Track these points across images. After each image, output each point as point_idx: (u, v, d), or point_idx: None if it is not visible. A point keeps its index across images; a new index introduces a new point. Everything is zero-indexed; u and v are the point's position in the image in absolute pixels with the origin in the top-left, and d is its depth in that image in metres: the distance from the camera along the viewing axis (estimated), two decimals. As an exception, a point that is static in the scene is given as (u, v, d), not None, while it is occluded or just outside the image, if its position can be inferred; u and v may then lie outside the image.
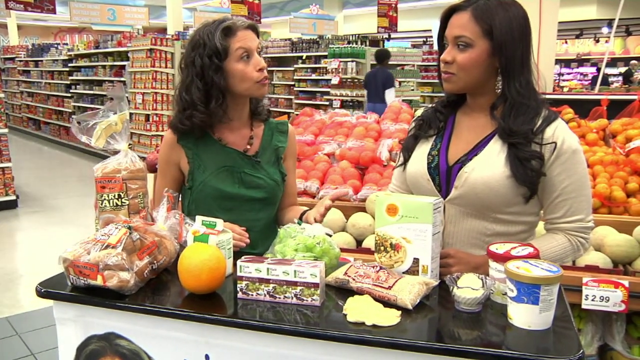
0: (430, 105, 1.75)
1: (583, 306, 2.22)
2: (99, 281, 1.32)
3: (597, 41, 19.42)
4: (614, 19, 5.93)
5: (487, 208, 1.52)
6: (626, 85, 11.89)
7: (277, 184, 1.84)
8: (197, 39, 1.72)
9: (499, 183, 1.48)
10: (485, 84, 1.55)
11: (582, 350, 1.09)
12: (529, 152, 1.47)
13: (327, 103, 9.38)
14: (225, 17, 1.77)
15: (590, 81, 15.82)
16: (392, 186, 1.82)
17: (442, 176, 1.58)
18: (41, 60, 14.24)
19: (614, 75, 17.05)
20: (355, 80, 8.89)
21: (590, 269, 2.29)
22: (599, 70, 15.91)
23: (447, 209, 1.57)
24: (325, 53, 9.94)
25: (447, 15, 1.55)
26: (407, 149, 1.70)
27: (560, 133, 1.49)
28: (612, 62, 17.82)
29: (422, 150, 1.65)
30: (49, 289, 1.40)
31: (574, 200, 1.51)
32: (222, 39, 1.69)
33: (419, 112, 1.76)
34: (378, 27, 11.73)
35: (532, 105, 1.50)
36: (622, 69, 17.88)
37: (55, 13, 8.34)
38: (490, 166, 1.49)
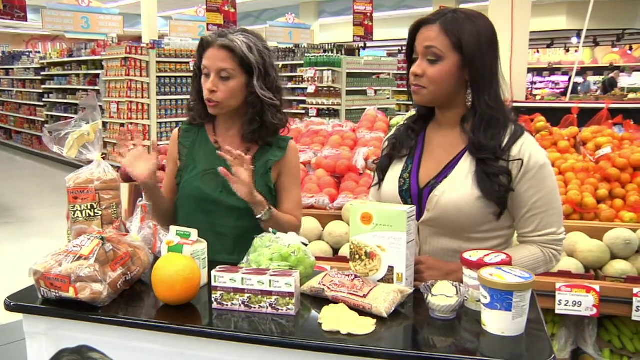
0: (402, 122, 1.74)
1: (557, 311, 2.26)
2: (70, 293, 1.30)
3: (567, 51, 19.86)
4: (583, 30, 6.07)
5: (460, 229, 1.53)
6: (608, 94, 12.19)
7: None
8: None
9: (469, 205, 1.48)
10: (455, 97, 1.55)
11: (553, 355, 1.11)
12: (496, 167, 1.48)
13: (303, 112, 9.39)
14: (222, 31, 1.80)
15: (563, 89, 16.20)
16: None
17: (414, 199, 1.58)
18: (12, 69, 13.99)
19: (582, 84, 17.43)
20: (332, 89, 8.91)
21: (563, 274, 2.33)
22: (570, 79, 16.28)
23: (421, 231, 1.57)
24: (302, 62, 9.94)
25: (416, 29, 1.55)
26: (382, 169, 1.69)
27: (527, 149, 1.49)
28: (582, 71, 18.23)
29: (395, 172, 1.64)
30: (18, 302, 1.37)
31: (544, 214, 1.52)
32: (200, 50, 1.80)
33: (395, 121, 1.76)
34: (354, 36, 11.78)
35: (500, 118, 1.51)
36: (593, 78, 18.31)
37: (26, 20, 8.21)
38: (459, 188, 1.50)
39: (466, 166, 1.52)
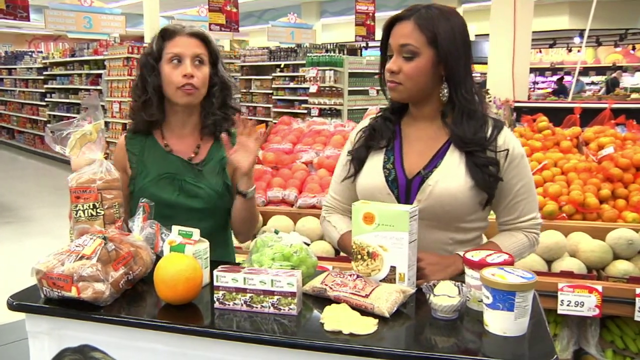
0: (376, 114, 1.72)
1: (559, 311, 2.26)
2: (73, 293, 1.30)
3: (570, 51, 19.82)
4: (585, 30, 6.06)
5: (452, 218, 1.54)
6: (610, 94, 12.18)
7: (218, 195, 1.78)
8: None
9: (463, 194, 1.50)
10: (431, 93, 1.56)
11: (555, 356, 1.11)
12: (485, 158, 1.51)
13: (305, 111, 9.39)
14: (178, 23, 1.82)
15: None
16: (332, 201, 1.77)
17: (402, 190, 1.57)
18: (15, 68, 14.01)
19: (587, 84, 17.43)
20: (333, 89, 8.91)
21: (566, 274, 2.33)
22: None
23: None
24: (303, 62, 9.95)
25: (390, 25, 1.55)
26: (360, 160, 1.64)
27: (510, 140, 1.56)
28: (585, 71, 18.22)
29: (375, 163, 1.62)
30: (21, 302, 1.37)
31: (526, 201, 1.58)
32: (160, 41, 1.76)
33: (365, 123, 1.73)
34: (356, 35, 11.78)
35: (479, 111, 1.54)
36: (595, 78, 18.29)
37: (29, 20, 8.22)
38: (454, 178, 1.51)
39: (455, 157, 1.54)
